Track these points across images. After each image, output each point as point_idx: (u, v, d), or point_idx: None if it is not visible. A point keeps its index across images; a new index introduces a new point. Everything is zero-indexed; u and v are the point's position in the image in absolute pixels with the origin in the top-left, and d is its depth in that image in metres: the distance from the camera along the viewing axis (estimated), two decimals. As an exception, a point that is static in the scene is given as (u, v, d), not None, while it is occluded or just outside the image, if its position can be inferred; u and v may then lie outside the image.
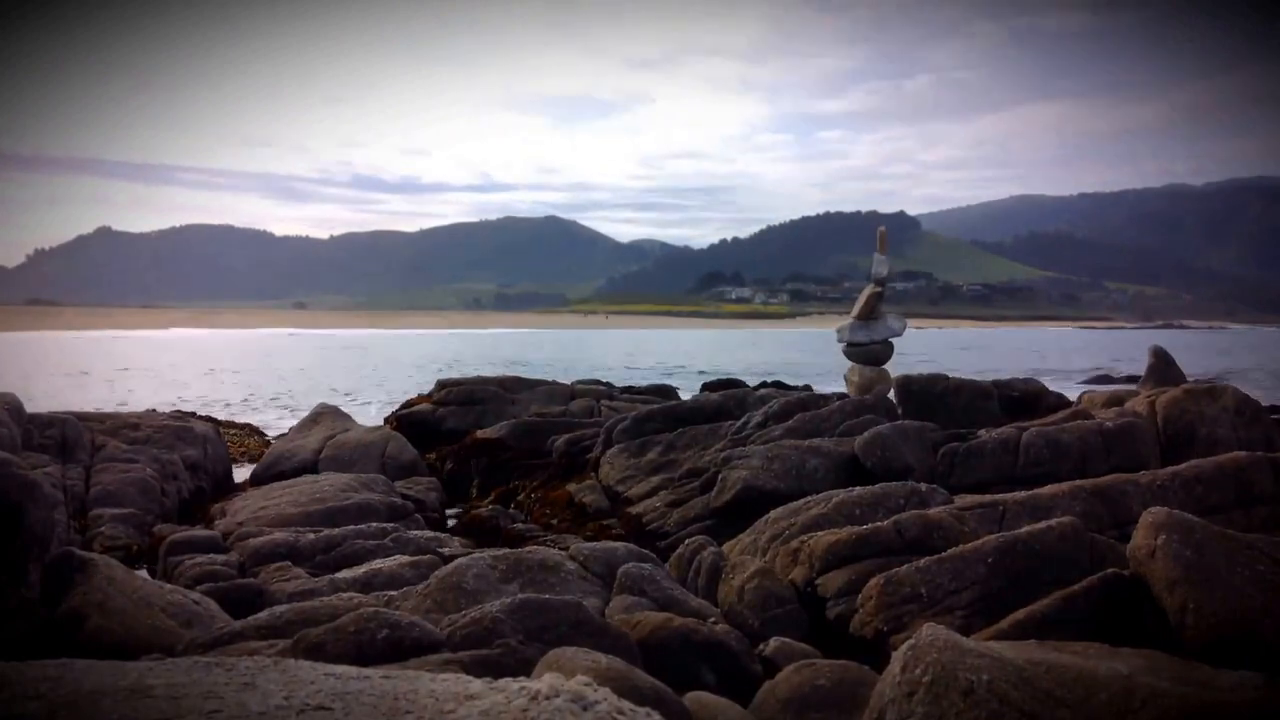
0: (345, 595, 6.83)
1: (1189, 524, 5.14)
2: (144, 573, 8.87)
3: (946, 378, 14.54)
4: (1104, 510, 7.87)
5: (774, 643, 6.03)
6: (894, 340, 16.37)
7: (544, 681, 2.34)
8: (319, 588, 7.84)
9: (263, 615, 5.84)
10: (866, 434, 10.68)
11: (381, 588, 7.55)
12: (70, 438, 12.85)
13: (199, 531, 10.29)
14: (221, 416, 22.72)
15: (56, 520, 7.55)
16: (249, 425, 21.85)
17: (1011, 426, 11.28)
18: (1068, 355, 67.91)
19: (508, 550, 7.61)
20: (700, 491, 11.05)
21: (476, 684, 2.45)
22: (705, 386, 22.50)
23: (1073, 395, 17.00)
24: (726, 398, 14.70)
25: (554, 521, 11.75)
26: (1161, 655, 4.36)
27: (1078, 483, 8.34)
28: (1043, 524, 6.60)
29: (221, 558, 9.01)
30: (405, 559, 8.56)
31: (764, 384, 23.03)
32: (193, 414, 19.56)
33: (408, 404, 20.71)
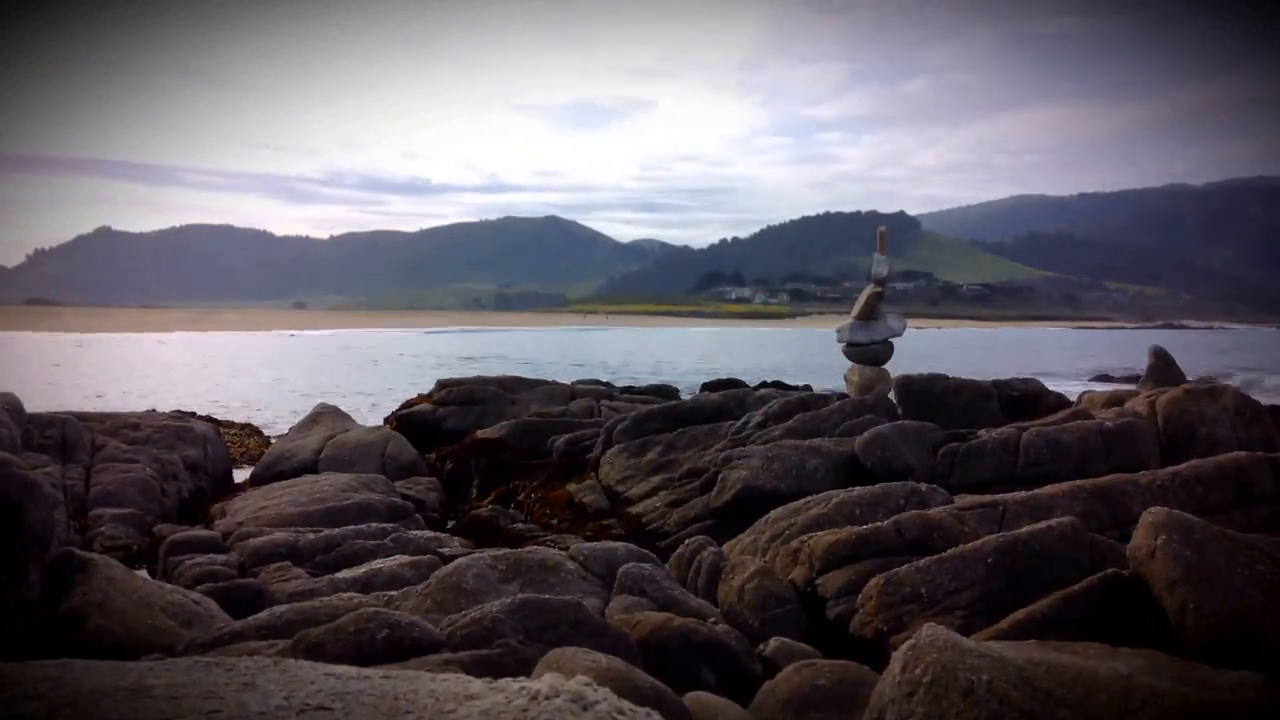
0: (345, 595, 6.83)
1: (1189, 524, 5.14)
2: (144, 573, 8.87)
3: (946, 378, 14.54)
4: (1104, 510, 7.87)
5: (774, 643, 6.03)
6: (894, 340, 16.38)
7: (544, 681, 2.34)
8: (319, 588, 7.84)
9: (263, 615, 5.84)
10: (866, 434, 10.68)
11: (381, 588, 7.55)
12: (70, 438, 12.85)
13: (199, 531, 10.29)
14: (221, 416, 22.70)
15: (56, 520, 7.55)
16: (249, 425, 21.85)
17: (1011, 426, 11.28)
18: (1068, 355, 67.90)
19: (508, 550, 7.62)
20: (700, 491, 11.05)
21: (476, 684, 2.45)
22: (705, 386, 22.50)
23: (1073, 395, 17.00)
24: (726, 398, 14.70)
25: (554, 521, 11.75)
26: (1161, 655, 4.36)
27: (1078, 483, 8.34)
28: (1043, 524, 6.60)
29: (221, 558, 9.01)
30: (405, 559, 8.56)
31: (764, 384, 23.02)
32: (193, 414, 19.55)
33: (408, 404, 20.71)
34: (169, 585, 7.35)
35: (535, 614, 5.18)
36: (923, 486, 8.67)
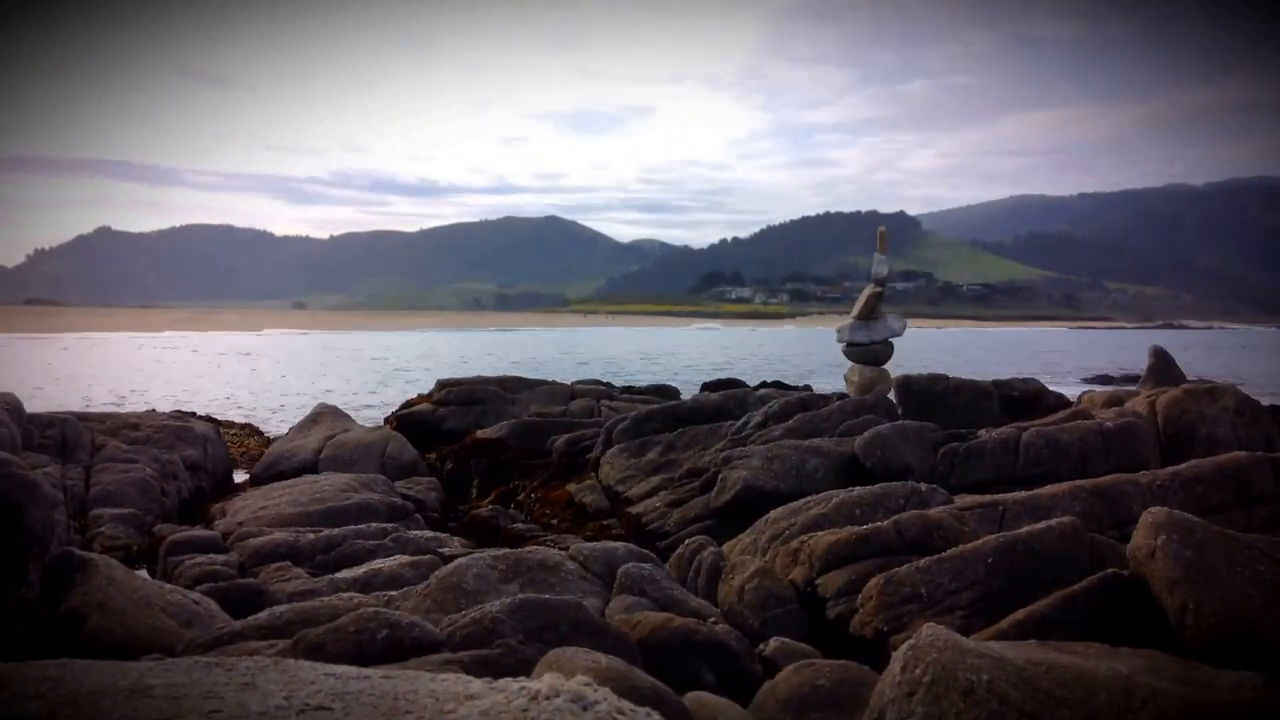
0: (345, 595, 6.83)
1: (1189, 524, 5.14)
2: (144, 573, 8.86)
3: (946, 378, 14.54)
4: (1104, 510, 7.87)
5: (774, 643, 6.03)
6: (894, 340, 16.37)
7: (544, 681, 2.34)
8: (319, 588, 7.84)
9: (263, 615, 5.83)
10: (866, 434, 10.68)
11: (381, 588, 7.55)
12: (70, 438, 12.85)
13: (199, 531, 10.29)
14: (221, 416, 22.70)
15: (56, 520, 7.55)
16: (249, 425, 21.85)
17: (1011, 426, 11.28)
18: (1068, 355, 67.90)
19: (508, 550, 7.61)
20: (700, 491, 11.05)
21: (476, 684, 2.45)
22: (705, 386, 22.50)
23: (1073, 395, 17.01)
24: (726, 398, 14.70)
25: (554, 521, 11.74)
26: (1161, 655, 4.36)
27: (1078, 483, 8.34)
28: (1043, 524, 6.60)
29: (221, 558, 9.00)
30: (405, 559, 8.55)
31: (764, 384, 23.02)
32: (193, 414, 19.55)
33: (408, 404, 20.70)
34: (169, 585, 7.35)
35: (535, 614, 5.18)
36: (923, 486, 8.67)
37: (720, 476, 10.64)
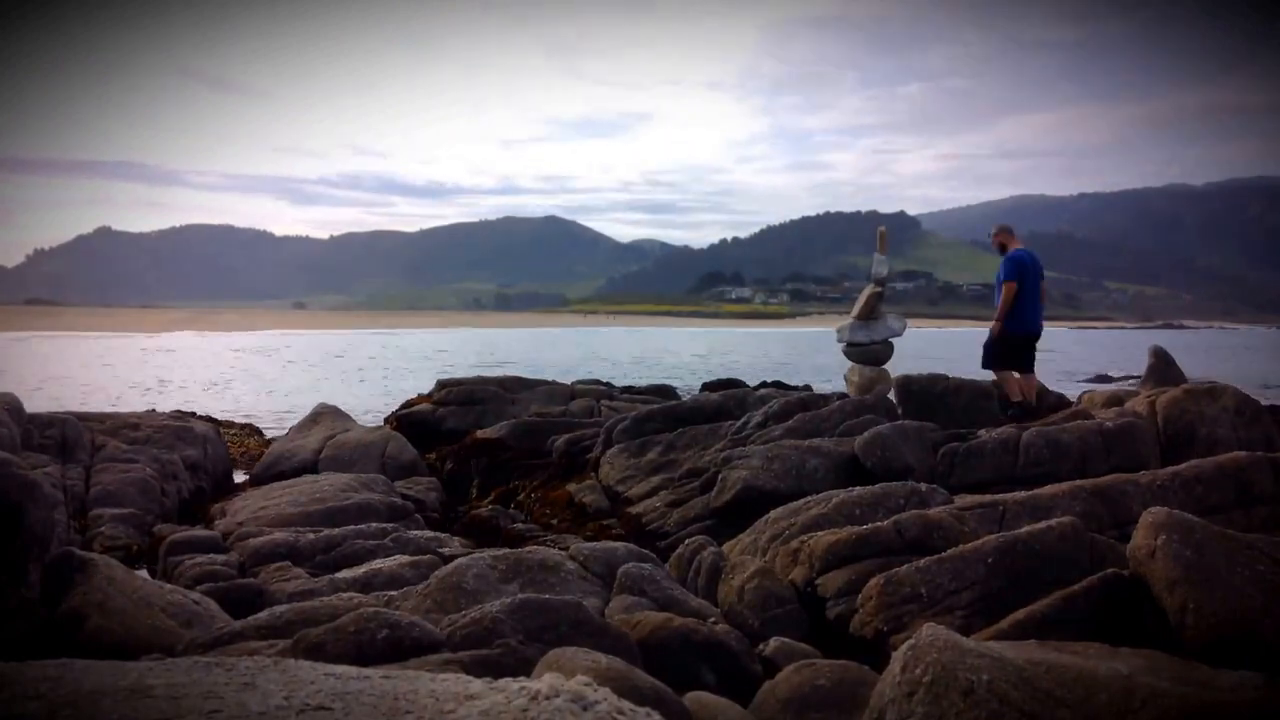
0: (345, 595, 6.82)
1: (1189, 524, 5.14)
2: (144, 573, 8.86)
3: (946, 378, 14.52)
4: (1104, 510, 7.86)
5: (774, 643, 6.03)
6: (894, 340, 16.37)
7: (544, 681, 2.34)
8: (319, 588, 7.84)
9: (263, 615, 5.83)
10: (866, 434, 10.67)
11: (381, 588, 7.55)
12: (70, 438, 12.84)
13: (199, 531, 10.29)
14: (221, 416, 22.70)
15: (56, 520, 7.54)
16: (249, 425, 21.84)
17: (1011, 426, 11.27)
18: (1068, 355, 67.89)
19: (508, 550, 7.61)
20: (700, 491, 11.04)
21: (476, 684, 2.45)
22: (705, 386, 22.49)
23: (1073, 395, 17.00)
24: (726, 398, 14.69)
25: (554, 521, 11.74)
26: (1161, 655, 4.36)
27: (1078, 483, 8.33)
28: (1043, 524, 6.59)
29: (221, 558, 9.00)
30: (405, 559, 8.55)
31: (764, 384, 23.01)
32: (193, 414, 19.54)
33: (408, 404, 20.69)
34: (169, 585, 7.35)
35: (535, 614, 5.18)
36: (923, 486, 8.66)
37: (720, 476, 10.64)
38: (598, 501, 11.94)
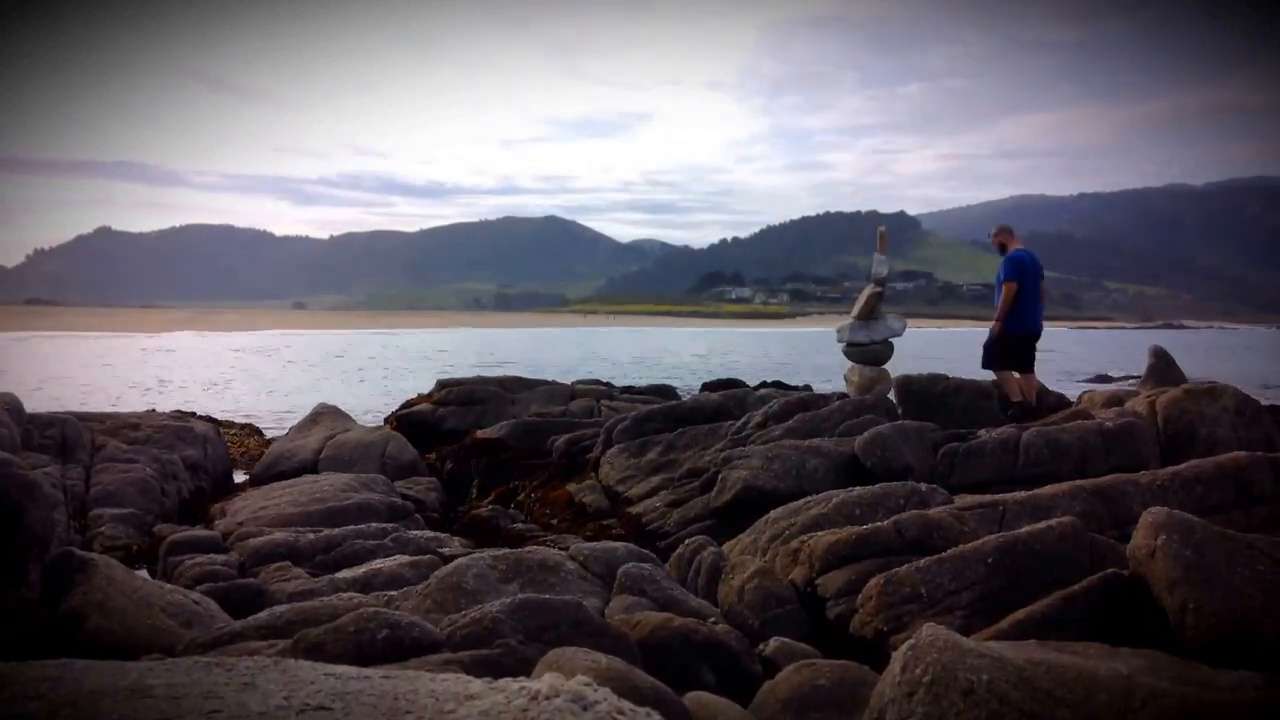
0: (345, 595, 6.82)
1: (1189, 524, 5.14)
2: (144, 573, 8.86)
3: (946, 378, 14.52)
4: (1104, 510, 7.86)
5: (774, 643, 6.03)
6: (894, 340, 16.36)
7: (544, 681, 2.34)
8: (319, 588, 7.84)
9: (263, 615, 5.83)
10: (866, 434, 10.67)
11: (381, 588, 7.54)
12: (70, 438, 12.84)
13: (199, 531, 10.29)
14: (221, 416, 22.70)
15: (56, 520, 7.54)
16: (249, 425, 21.84)
17: (1011, 426, 11.27)
18: (1068, 355, 67.90)
19: (508, 550, 7.60)
20: (700, 491, 11.04)
21: (476, 684, 2.45)
22: (705, 386, 22.48)
23: (1073, 395, 17.00)
24: (726, 398, 14.69)
25: (554, 521, 11.74)
26: (1161, 655, 4.36)
27: (1078, 483, 8.33)
28: (1043, 524, 6.59)
29: (221, 558, 9.00)
30: (405, 559, 8.55)
31: (764, 384, 23.00)
32: (193, 414, 19.54)
33: (408, 404, 20.69)
34: (169, 585, 7.35)
35: (535, 614, 5.18)
36: (923, 486, 8.66)
37: (720, 476, 10.64)
38: (598, 501, 11.93)
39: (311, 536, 9.55)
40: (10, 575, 6.06)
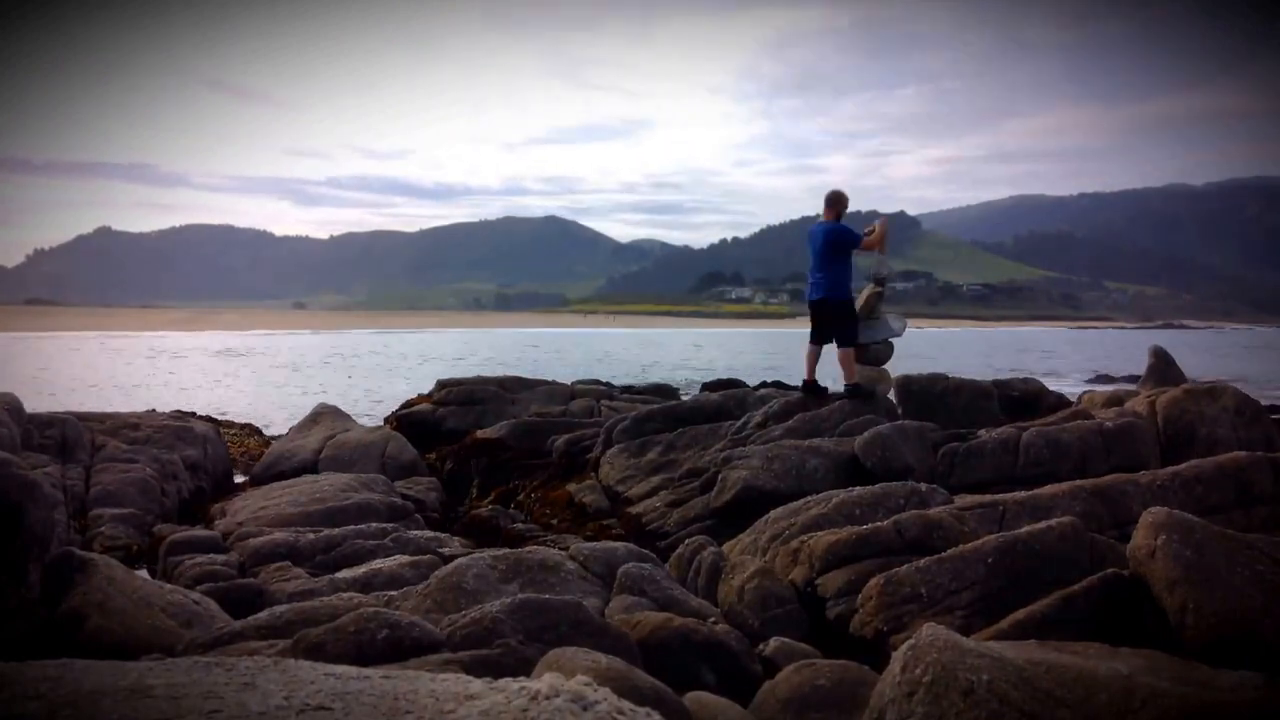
0: (345, 595, 6.82)
1: (1189, 524, 5.14)
2: (144, 573, 8.86)
3: (946, 378, 14.53)
4: (1104, 510, 7.86)
5: (774, 643, 6.03)
6: (894, 340, 16.37)
7: (544, 681, 2.34)
8: (319, 588, 7.84)
9: (263, 615, 5.83)
10: (866, 434, 10.67)
11: (381, 588, 7.55)
12: (70, 438, 12.84)
13: (199, 531, 10.29)
14: (221, 416, 22.70)
15: (56, 520, 7.55)
16: (249, 425, 21.84)
17: (1011, 426, 11.27)
18: (1068, 355, 67.89)
19: (508, 550, 7.61)
20: (700, 491, 11.04)
21: (476, 684, 2.45)
22: (705, 386, 22.49)
23: (1073, 395, 17.00)
24: (726, 398, 14.68)
25: (554, 521, 11.74)
26: (1161, 655, 4.36)
27: (1078, 483, 8.33)
28: (1043, 524, 6.60)
29: (221, 558, 9.00)
30: (405, 559, 8.55)
31: (764, 384, 23.00)
32: (193, 414, 19.54)
33: (408, 404, 20.69)
34: (169, 585, 7.35)
35: (535, 614, 5.18)
36: (923, 486, 8.66)
37: (720, 476, 10.64)
38: (598, 501, 11.93)
39: (311, 536, 9.55)
40: (10, 575, 6.07)
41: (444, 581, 6.51)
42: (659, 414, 13.66)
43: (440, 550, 9.12)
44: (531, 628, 5.10)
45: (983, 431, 11.22)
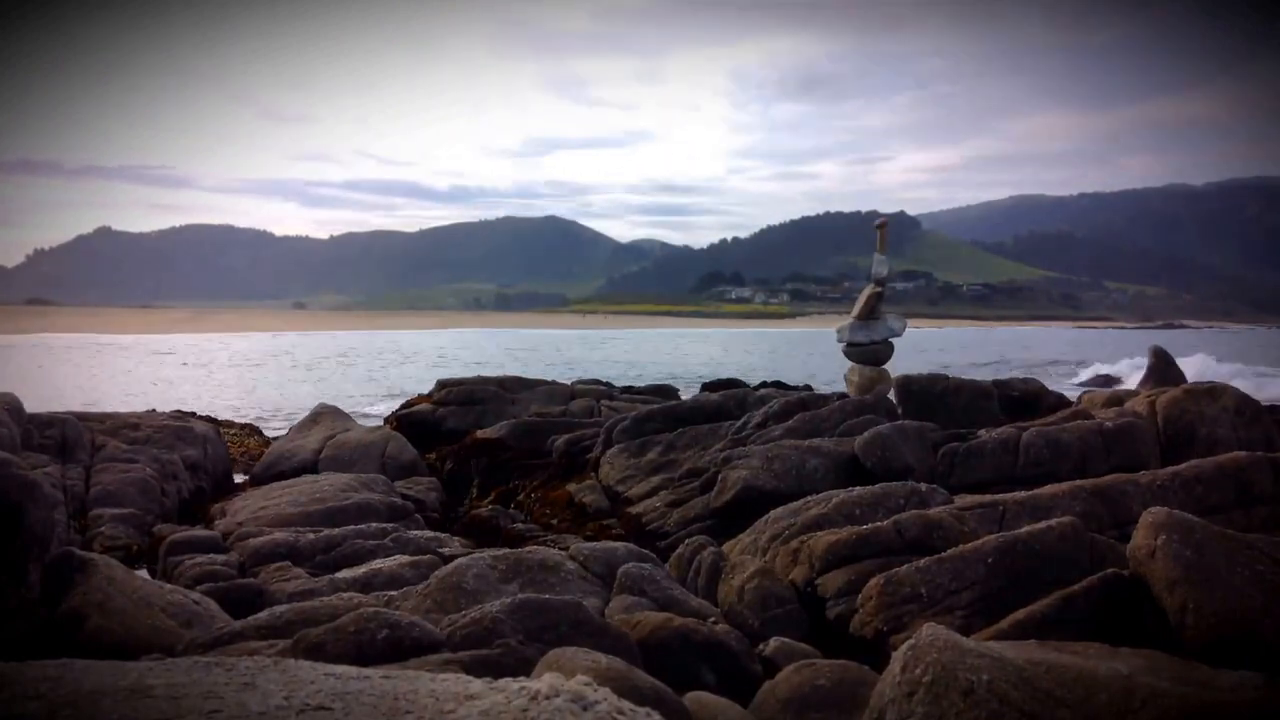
0: (345, 595, 6.82)
1: (1189, 524, 5.14)
2: (144, 573, 8.87)
3: (946, 378, 14.54)
4: (1104, 510, 7.87)
5: (774, 643, 6.03)
6: (894, 340, 16.36)
7: (544, 681, 2.34)
8: (319, 588, 7.84)
9: (263, 615, 5.83)
10: (866, 434, 10.68)
11: (381, 588, 7.55)
12: (70, 438, 12.84)
13: (199, 531, 10.29)
14: (221, 416, 22.70)
15: (56, 520, 7.55)
16: (249, 425, 21.85)
17: (1011, 426, 11.28)
18: (1068, 355, 67.90)
19: (508, 550, 7.61)
20: (700, 491, 11.05)
21: (476, 684, 2.45)
22: (705, 386, 22.49)
23: (1073, 395, 17.00)
24: (726, 398, 14.69)
25: (554, 521, 11.74)
26: (1161, 655, 4.36)
27: (1078, 483, 8.34)
28: (1043, 524, 6.60)
29: (221, 558, 9.00)
30: (405, 559, 8.55)
31: (764, 384, 23.01)
32: (193, 414, 19.54)
33: (408, 404, 20.70)
34: (169, 585, 7.35)
35: (535, 614, 5.18)
36: (923, 486, 8.66)
37: (720, 476, 10.64)
38: (598, 501, 11.94)
39: (311, 536, 9.55)
40: (10, 575, 6.07)
41: (444, 581, 6.52)
42: (659, 414, 13.67)
43: (440, 550, 9.12)
44: (531, 628, 5.10)
45: (983, 431, 11.22)
